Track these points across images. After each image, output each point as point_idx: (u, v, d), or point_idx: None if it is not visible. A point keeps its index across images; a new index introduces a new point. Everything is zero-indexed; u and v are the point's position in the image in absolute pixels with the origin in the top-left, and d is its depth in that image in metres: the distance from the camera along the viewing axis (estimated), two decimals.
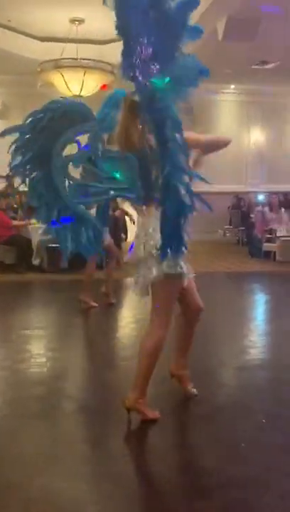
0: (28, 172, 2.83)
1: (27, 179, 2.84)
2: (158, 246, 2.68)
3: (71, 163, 2.74)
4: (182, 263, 2.78)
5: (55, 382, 3.59)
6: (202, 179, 2.45)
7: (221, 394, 3.36)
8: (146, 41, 2.79)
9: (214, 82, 10.13)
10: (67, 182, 2.74)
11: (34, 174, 2.83)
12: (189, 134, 2.79)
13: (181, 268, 2.77)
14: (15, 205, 9.56)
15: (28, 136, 2.78)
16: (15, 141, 2.76)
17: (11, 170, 2.83)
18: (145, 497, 2.24)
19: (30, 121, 2.77)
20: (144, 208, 2.81)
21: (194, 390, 3.24)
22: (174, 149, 2.39)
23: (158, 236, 2.66)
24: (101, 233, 2.96)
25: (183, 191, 2.36)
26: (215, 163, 11.54)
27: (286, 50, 9.29)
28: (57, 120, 2.77)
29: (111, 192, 2.80)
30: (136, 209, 2.98)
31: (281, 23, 8.06)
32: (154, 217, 2.76)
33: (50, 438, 2.77)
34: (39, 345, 4.57)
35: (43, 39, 9.79)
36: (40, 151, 2.75)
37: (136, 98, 2.80)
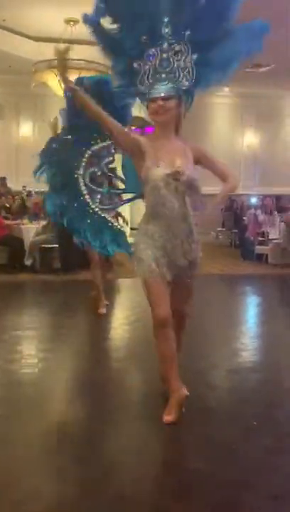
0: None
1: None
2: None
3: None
4: (150, 267, 2.81)
5: (47, 382, 3.58)
6: None
7: (212, 396, 3.37)
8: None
9: None
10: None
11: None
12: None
13: (147, 272, 2.81)
14: (7, 205, 9.55)
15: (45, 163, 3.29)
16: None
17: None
18: (134, 497, 2.24)
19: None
20: None
21: (185, 391, 3.24)
22: None
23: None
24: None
25: None
26: None
27: (280, 54, 9.33)
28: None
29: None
30: None
31: (275, 27, 8.08)
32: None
33: (40, 439, 2.76)
34: (31, 345, 4.56)
35: (37, 39, 9.77)
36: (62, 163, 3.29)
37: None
